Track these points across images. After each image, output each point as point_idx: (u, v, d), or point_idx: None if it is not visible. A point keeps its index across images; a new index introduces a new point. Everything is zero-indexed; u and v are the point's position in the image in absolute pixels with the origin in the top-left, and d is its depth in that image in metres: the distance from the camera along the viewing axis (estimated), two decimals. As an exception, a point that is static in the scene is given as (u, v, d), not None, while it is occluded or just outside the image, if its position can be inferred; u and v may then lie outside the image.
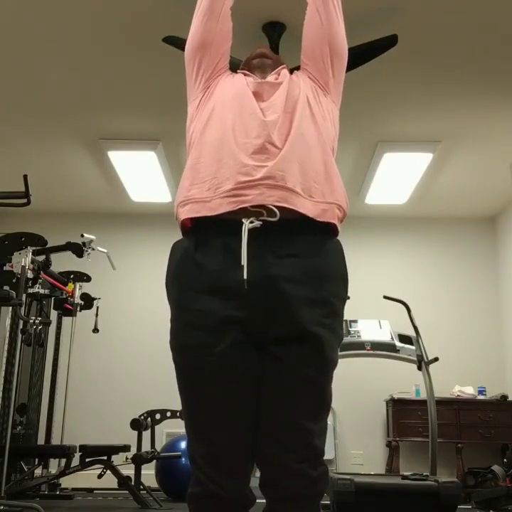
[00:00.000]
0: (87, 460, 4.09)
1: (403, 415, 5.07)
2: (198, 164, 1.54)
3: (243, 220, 1.41)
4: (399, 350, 4.00)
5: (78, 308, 4.65)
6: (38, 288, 4.10)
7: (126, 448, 4.19)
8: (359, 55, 2.99)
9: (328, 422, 4.88)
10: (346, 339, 3.96)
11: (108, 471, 4.05)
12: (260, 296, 1.39)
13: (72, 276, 4.68)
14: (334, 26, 1.74)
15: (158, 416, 4.36)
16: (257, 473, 1.45)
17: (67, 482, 4.63)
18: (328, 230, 1.51)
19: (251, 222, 1.41)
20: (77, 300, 4.63)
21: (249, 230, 1.40)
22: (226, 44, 1.77)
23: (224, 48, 1.76)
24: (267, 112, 1.56)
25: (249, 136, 1.50)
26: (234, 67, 1.81)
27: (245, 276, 1.37)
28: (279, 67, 1.76)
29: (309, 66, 1.74)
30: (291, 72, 1.78)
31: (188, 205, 1.50)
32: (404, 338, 4.07)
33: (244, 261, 1.38)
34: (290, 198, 1.44)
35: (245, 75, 1.75)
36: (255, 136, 1.50)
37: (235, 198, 1.43)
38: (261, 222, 1.41)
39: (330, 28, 1.73)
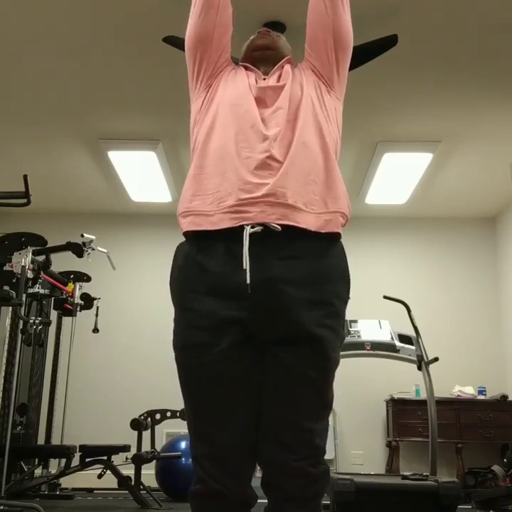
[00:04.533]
0: (87, 460, 4.09)
1: (403, 415, 5.07)
2: (201, 175, 1.53)
3: (244, 226, 1.42)
4: (399, 350, 4.00)
5: (78, 308, 4.65)
6: (38, 288, 4.10)
7: (126, 448, 4.19)
8: (359, 55, 2.97)
9: (329, 422, 4.88)
10: (346, 339, 3.96)
11: (108, 471, 4.05)
12: (262, 297, 1.39)
13: (72, 276, 4.68)
14: (339, 15, 1.68)
15: (158, 416, 4.36)
16: (259, 473, 1.46)
17: (67, 482, 4.63)
18: (331, 236, 1.50)
19: (252, 227, 1.41)
20: (77, 300, 4.63)
21: (251, 234, 1.40)
22: (227, 35, 1.72)
23: (225, 40, 1.71)
24: (270, 124, 1.53)
25: (251, 151, 1.49)
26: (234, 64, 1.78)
27: (248, 281, 1.37)
28: (283, 60, 1.72)
29: (313, 57, 1.70)
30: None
31: (189, 216, 1.51)
32: (404, 338, 4.07)
33: (246, 266, 1.38)
34: (291, 215, 1.43)
35: (247, 69, 1.72)
36: (257, 151, 1.48)
37: (236, 214, 1.43)
38: (262, 227, 1.42)
39: (334, 16, 1.67)
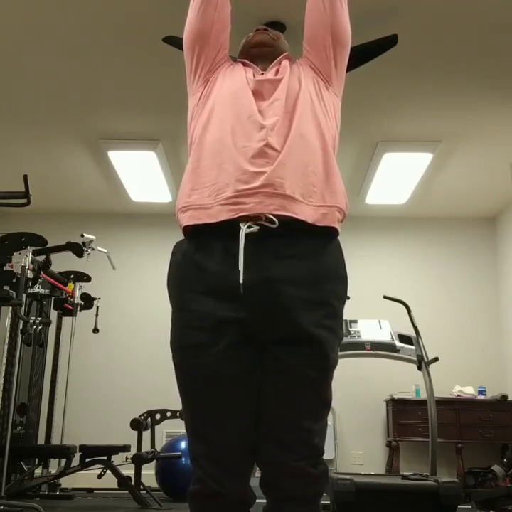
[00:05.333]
0: (87, 460, 4.09)
1: (403, 415, 5.07)
2: (199, 168, 1.53)
3: (240, 225, 1.41)
4: (399, 350, 4.00)
5: (78, 308, 4.65)
6: (38, 288, 4.10)
7: (126, 448, 4.19)
8: (359, 55, 2.98)
9: (328, 422, 4.88)
10: (346, 339, 3.96)
11: (108, 471, 4.05)
12: (260, 297, 1.39)
13: (72, 276, 4.68)
14: (337, 13, 1.68)
15: (158, 416, 4.36)
16: (258, 473, 1.46)
17: (67, 482, 4.63)
18: (328, 233, 1.50)
19: (249, 226, 1.41)
20: (77, 300, 4.63)
21: (248, 234, 1.40)
22: (225, 32, 1.72)
23: (223, 37, 1.71)
24: (267, 114, 1.53)
25: (248, 140, 1.49)
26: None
27: (241, 281, 1.37)
28: (280, 56, 1.73)
29: (311, 54, 1.70)
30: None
31: (188, 211, 1.50)
32: (404, 338, 4.07)
33: (240, 266, 1.37)
34: (289, 206, 1.43)
35: (245, 65, 1.72)
36: (254, 140, 1.48)
37: (234, 205, 1.43)
38: (258, 227, 1.41)
39: (333, 14, 1.68)
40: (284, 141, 1.49)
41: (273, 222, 1.41)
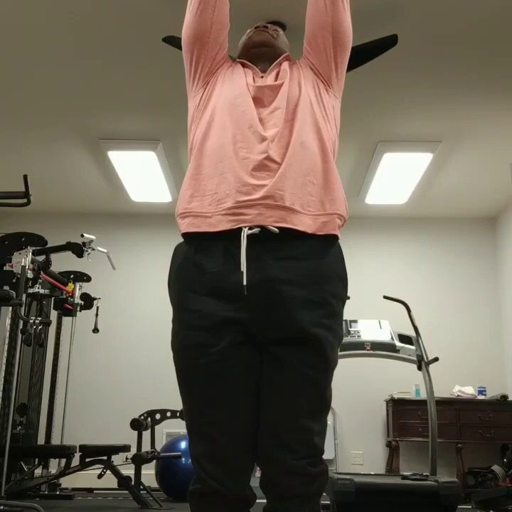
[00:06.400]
0: (87, 460, 4.09)
1: (403, 415, 5.07)
2: (200, 175, 1.53)
3: (242, 227, 1.42)
4: (399, 350, 4.00)
5: (78, 308, 4.65)
6: (38, 288, 4.10)
7: (126, 448, 4.18)
8: (359, 55, 2.98)
9: (328, 422, 4.88)
10: (346, 339, 3.96)
11: (108, 471, 4.05)
12: (260, 298, 1.40)
13: (72, 276, 4.68)
14: (339, 13, 1.67)
15: (158, 416, 4.36)
16: (258, 473, 1.46)
17: (67, 482, 4.63)
18: (329, 238, 1.50)
19: (250, 228, 1.41)
20: (77, 300, 4.64)
21: (249, 235, 1.40)
22: (224, 32, 1.70)
23: (222, 37, 1.70)
24: (268, 124, 1.53)
25: (249, 151, 1.49)
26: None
27: (245, 283, 1.37)
28: (281, 58, 1.72)
29: (312, 55, 1.69)
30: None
31: (188, 217, 1.51)
32: (404, 338, 4.07)
33: (243, 267, 1.38)
34: (289, 217, 1.43)
35: (244, 66, 1.71)
36: (255, 152, 1.48)
37: (234, 216, 1.43)
38: (260, 229, 1.42)
39: (334, 14, 1.66)
40: (284, 153, 1.49)
41: (274, 232, 1.42)
